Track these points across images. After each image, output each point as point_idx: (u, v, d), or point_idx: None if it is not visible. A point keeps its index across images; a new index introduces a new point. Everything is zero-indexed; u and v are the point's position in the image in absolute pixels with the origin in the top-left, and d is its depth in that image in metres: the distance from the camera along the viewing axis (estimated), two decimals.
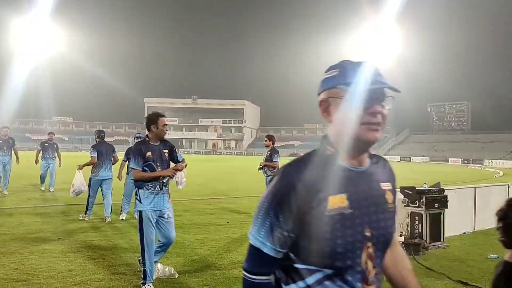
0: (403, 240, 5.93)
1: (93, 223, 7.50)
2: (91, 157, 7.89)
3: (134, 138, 8.31)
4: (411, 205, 6.36)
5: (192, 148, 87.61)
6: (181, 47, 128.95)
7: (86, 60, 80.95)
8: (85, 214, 7.79)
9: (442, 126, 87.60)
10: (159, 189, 4.20)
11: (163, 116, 4.40)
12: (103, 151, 7.96)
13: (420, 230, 6.24)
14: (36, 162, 12.20)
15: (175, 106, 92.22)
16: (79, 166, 8.07)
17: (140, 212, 4.16)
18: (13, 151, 11.16)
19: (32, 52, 73.62)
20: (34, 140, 69.62)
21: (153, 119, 4.33)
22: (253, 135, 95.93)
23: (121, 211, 8.04)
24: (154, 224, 4.19)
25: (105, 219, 7.67)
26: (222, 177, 20.31)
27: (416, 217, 6.31)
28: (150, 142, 4.33)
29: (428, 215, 6.25)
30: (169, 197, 4.36)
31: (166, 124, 4.39)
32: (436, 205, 6.37)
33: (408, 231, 6.32)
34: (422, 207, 6.23)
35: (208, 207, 9.80)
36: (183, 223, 7.66)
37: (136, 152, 4.25)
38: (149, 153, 4.22)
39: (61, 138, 71.90)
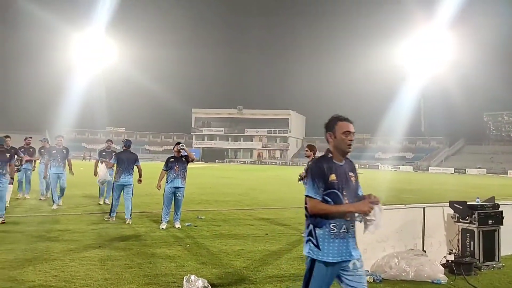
0: (452, 259, 5.50)
1: (133, 231, 7.62)
2: (110, 161, 9.24)
3: (174, 146, 8.43)
4: (462, 221, 5.91)
5: (238, 158, 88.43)
6: (228, 59, 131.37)
7: (138, 72, 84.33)
8: (110, 215, 8.61)
9: (499, 136, 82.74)
10: (345, 230, 2.85)
11: (345, 119, 2.97)
12: (123, 159, 8.67)
13: (472, 248, 5.77)
14: (95, 173, 10.41)
15: (221, 117, 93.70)
16: (101, 160, 10.27)
17: (313, 261, 2.83)
18: (66, 162, 10.34)
19: (88, 65, 77.97)
20: (90, 150, 73.29)
21: (330, 125, 2.97)
22: (298, 145, 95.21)
23: (161, 220, 8.12)
24: (330, 279, 2.87)
25: (126, 221, 8.37)
26: (264, 187, 20.17)
27: (468, 234, 5.85)
28: (334, 160, 2.94)
29: (481, 232, 5.77)
30: (355, 241, 2.95)
31: (349, 131, 2.93)
32: (490, 221, 5.88)
33: (458, 249, 5.87)
34: (474, 224, 5.77)
35: (248, 217, 9.70)
36: (221, 234, 7.62)
37: (315, 172, 2.86)
38: (333, 176, 2.85)
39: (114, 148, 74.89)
